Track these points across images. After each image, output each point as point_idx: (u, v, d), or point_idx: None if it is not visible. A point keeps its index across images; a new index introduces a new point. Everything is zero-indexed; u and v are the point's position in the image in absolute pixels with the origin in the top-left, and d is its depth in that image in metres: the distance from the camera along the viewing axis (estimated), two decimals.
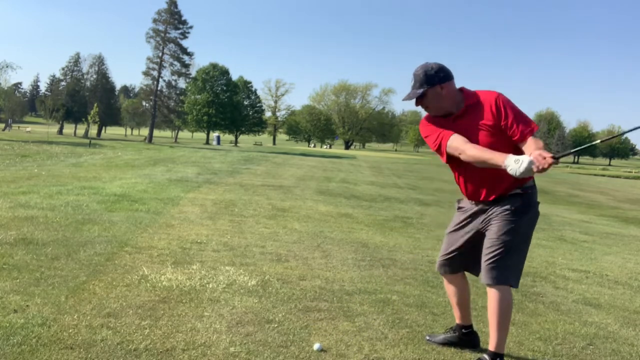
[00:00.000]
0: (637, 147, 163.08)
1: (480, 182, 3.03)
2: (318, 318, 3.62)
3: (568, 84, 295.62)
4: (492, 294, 2.96)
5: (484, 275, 2.99)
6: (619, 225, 12.09)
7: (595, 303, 4.67)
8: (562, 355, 3.38)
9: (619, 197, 24.77)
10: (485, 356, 3.00)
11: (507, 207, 2.97)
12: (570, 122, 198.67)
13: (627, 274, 6.12)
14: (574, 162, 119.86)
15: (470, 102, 3.01)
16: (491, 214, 3.03)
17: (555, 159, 2.61)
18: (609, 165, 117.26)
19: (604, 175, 61.51)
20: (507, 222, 2.96)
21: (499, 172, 2.82)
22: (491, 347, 2.99)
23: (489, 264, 2.96)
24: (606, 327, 4.02)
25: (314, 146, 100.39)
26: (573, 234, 9.33)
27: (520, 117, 2.92)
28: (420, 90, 2.99)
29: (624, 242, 8.92)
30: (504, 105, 2.93)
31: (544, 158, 2.60)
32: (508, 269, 2.95)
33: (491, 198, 3.02)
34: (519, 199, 2.97)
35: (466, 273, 3.32)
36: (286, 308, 3.76)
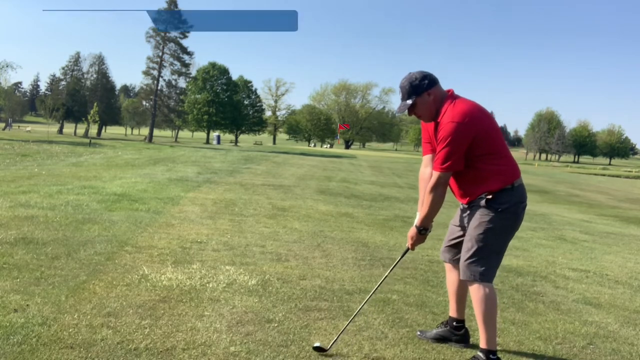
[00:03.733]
0: (637, 146, 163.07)
1: (457, 186, 3.19)
2: (318, 317, 3.62)
3: (568, 84, 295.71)
4: (472, 291, 3.09)
5: (461, 272, 3.14)
6: (619, 225, 12.08)
7: (596, 302, 4.67)
8: (562, 354, 3.38)
9: (619, 196, 24.76)
10: (479, 354, 3.03)
11: (479, 208, 3.08)
12: (570, 121, 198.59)
13: (627, 273, 6.12)
14: (574, 162, 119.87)
15: (440, 117, 3.07)
16: (468, 214, 3.17)
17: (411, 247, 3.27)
18: (609, 164, 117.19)
19: (604, 175, 61.42)
20: (478, 221, 3.06)
21: (471, 178, 3.09)
22: (482, 344, 3.04)
23: (464, 261, 3.10)
24: (606, 326, 4.02)
25: (314, 145, 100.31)
26: (573, 233, 9.33)
27: (441, 153, 2.99)
28: (410, 101, 3.08)
29: (624, 242, 8.92)
30: (442, 135, 2.98)
31: (410, 239, 3.23)
32: (480, 265, 3.04)
33: (466, 201, 3.18)
34: (490, 202, 3.06)
35: None
36: (286, 307, 3.76)
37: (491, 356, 2.99)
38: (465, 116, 2.95)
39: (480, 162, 3.03)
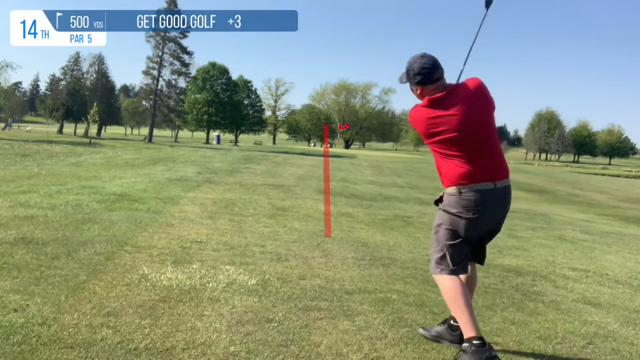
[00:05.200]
0: (637, 146, 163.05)
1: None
2: (318, 317, 3.62)
3: (568, 83, 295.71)
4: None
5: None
6: (619, 225, 12.08)
7: (595, 302, 4.67)
8: (562, 354, 3.38)
9: (619, 196, 24.77)
10: (464, 344, 2.96)
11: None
12: (570, 121, 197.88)
13: (627, 273, 6.12)
14: (574, 162, 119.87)
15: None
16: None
17: None
18: (609, 164, 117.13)
19: (604, 175, 61.42)
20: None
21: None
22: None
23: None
24: (606, 326, 4.02)
25: (314, 145, 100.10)
26: (573, 233, 9.32)
27: None
28: (405, 82, 3.18)
29: (624, 241, 8.91)
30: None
31: None
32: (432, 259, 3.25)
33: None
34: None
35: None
36: (286, 307, 3.76)
37: (474, 342, 2.90)
38: None
39: None
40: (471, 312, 3.00)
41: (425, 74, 3.04)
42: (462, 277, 3.28)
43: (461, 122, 2.98)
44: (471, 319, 2.98)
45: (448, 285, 3.08)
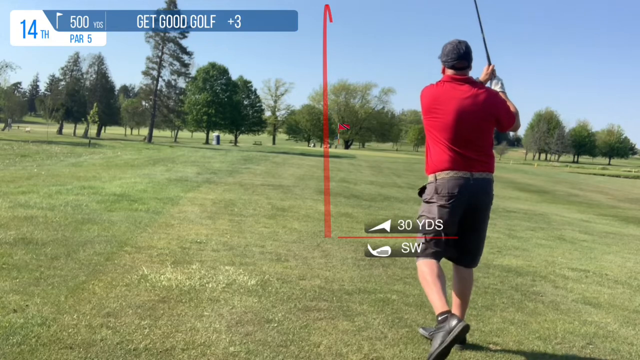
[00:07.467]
0: (636, 146, 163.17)
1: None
2: (318, 317, 3.62)
3: (568, 84, 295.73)
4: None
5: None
6: (618, 225, 12.09)
7: (595, 302, 4.67)
8: (562, 354, 3.38)
9: (619, 196, 24.78)
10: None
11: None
12: (569, 121, 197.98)
13: (626, 273, 6.12)
14: (573, 162, 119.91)
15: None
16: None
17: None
18: (609, 164, 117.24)
19: (603, 175, 61.52)
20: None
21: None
22: None
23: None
24: (606, 326, 4.02)
25: (314, 146, 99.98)
26: (573, 233, 9.33)
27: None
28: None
29: (624, 242, 8.92)
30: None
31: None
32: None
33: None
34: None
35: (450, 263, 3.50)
36: (286, 307, 3.76)
37: (439, 317, 2.96)
38: None
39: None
40: (438, 291, 3.03)
41: (449, 59, 3.26)
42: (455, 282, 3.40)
43: (457, 111, 3.15)
44: (437, 299, 3.02)
45: (420, 269, 3.16)
